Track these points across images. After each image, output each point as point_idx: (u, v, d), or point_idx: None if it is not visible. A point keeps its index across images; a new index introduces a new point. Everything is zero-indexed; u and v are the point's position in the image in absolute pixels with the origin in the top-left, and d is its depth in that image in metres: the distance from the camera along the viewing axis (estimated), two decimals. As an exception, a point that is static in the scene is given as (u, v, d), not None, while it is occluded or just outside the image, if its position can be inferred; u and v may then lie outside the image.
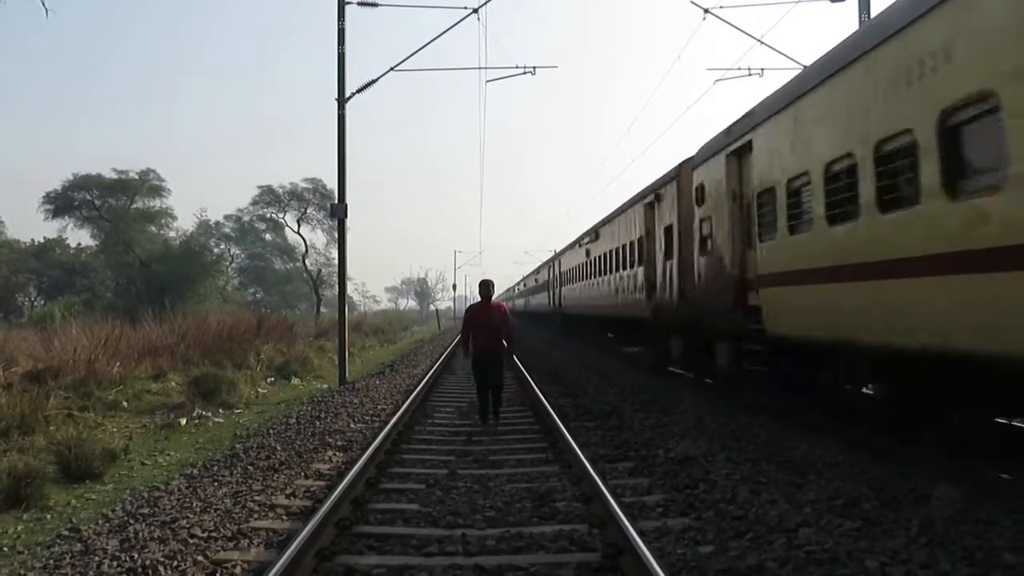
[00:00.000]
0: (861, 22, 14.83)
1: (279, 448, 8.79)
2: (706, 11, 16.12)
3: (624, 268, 19.51)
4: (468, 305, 11.13)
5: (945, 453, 6.92)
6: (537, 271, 51.59)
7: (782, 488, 6.24)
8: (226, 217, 66.35)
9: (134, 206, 51.19)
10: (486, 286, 10.68)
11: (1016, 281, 5.15)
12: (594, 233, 24.96)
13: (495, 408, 10.58)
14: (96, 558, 5.05)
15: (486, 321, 10.37)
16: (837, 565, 4.49)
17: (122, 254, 48.58)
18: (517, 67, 18.75)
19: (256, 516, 6.03)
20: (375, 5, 17.15)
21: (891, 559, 4.52)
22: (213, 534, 5.49)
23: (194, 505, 6.33)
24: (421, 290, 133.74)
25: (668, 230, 14.84)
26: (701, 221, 12.27)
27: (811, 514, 5.48)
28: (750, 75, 17.63)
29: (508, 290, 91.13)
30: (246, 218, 63.46)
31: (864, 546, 4.75)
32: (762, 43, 16.69)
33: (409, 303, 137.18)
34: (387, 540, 5.44)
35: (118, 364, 14.11)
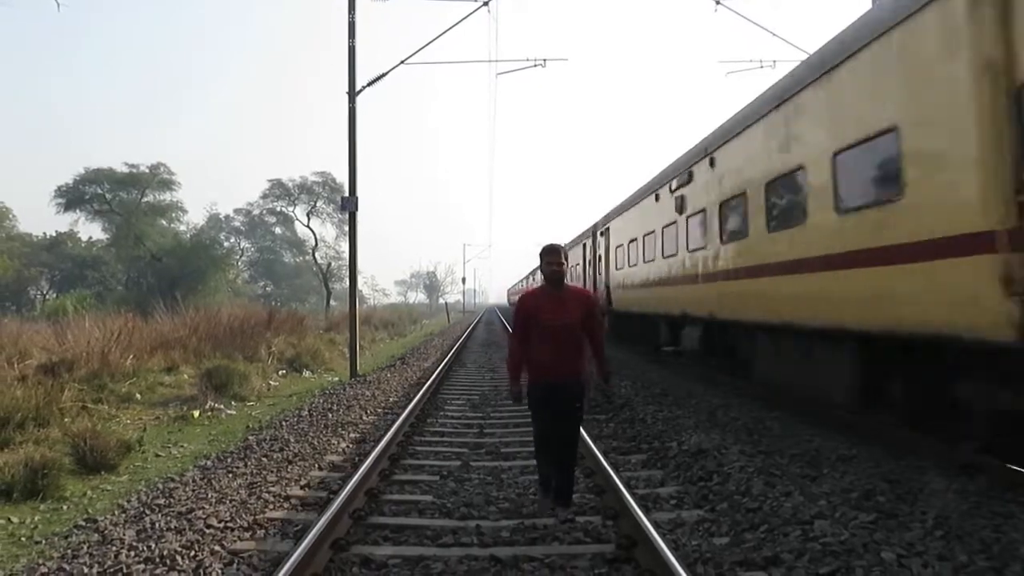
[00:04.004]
0: (874, 1, 14.63)
1: (292, 440, 8.82)
2: (717, 2, 16.03)
3: None
4: (523, 294, 6.21)
5: (961, 447, 6.90)
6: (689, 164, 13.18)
7: (796, 481, 6.23)
8: (236, 211, 66.88)
9: (145, 200, 51.56)
10: (555, 257, 5.80)
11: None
12: None
13: (563, 483, 5.94)
14: (114, 548, 5.08)
15: (557, 321, 5.71)
16: (853, 557, 4.48)
17: (133, 247, 48.92)
18: (527, 60, 18.71)
19: (271, 507, 6.07)
20: (385, -2, 17.13)
21: (908, 551, 4.51)
22: (229, 524, 5.52)
23: (209, 496, 6.36)
24: (430, 283, 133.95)
25: None
26: None
27: (826, 506, 5.46)
28: (762, 67, 17.55)
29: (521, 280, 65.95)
30: (256, 212, 63.88)
31: (880, 538, 4.74)
32: (774, 35, 16.54)
33: (418, 296, 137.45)
34: (402, 531, 5.47)
35: (131, 357, 14.18)
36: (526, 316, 5.81)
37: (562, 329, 5.73)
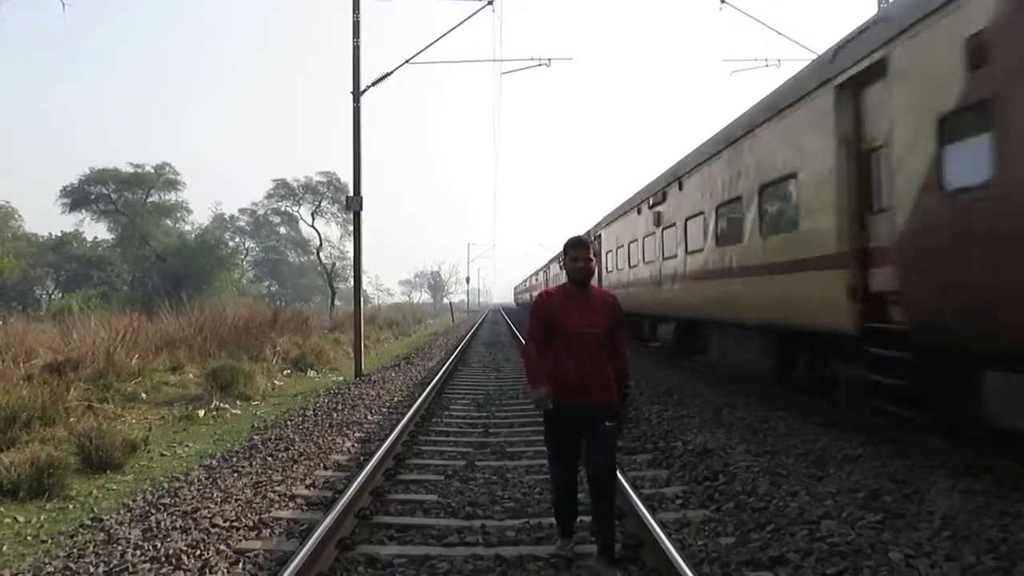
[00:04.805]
0: (880, 3, 14.59)
1: (297, 439, 8.82)
2: (723, 0, 16.00)
3: None
4: (540, 293, 5.10)
5: (968, 447, 6.88)
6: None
7: (802, 480, 6.21)
8: (241, 211, 67.00)
9: (150, 199, 51.62)
10: (582, 252, 4.79)
11: None
12: None
13: (603, 529, 4.70)
14: (119, 547, 5.08)
15: (582, 329, 4.70)
16: (861, 557, 4.46)
17: (138, 247, 48.99)
18: (532, 59, 18.66)
19: (277, 506, 6.06)
20: (390, -3, 17.13)
21: (915, 551, 4.49)
22: (235, 524, 5.51)
23: (215, 495, 6.36)
24: (435, 283, 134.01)
25: None
26: None
27: (833, 506, 5.45)
28: (767, 66, 17.52)
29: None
30: (261, 212, 63.94)
31: (888, 538, 4.72)
32: (780, 34, 16.52)
33: (423, 296, 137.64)
34: (407, 530, 5.47)
35: (136, 356, 14.21)
36: (546, 319, 4.76)
37: (588, 339, 4.67)
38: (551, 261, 43.48)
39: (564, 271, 4.92)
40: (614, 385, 4.76)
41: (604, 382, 4.71)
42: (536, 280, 57.13)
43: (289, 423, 10.13)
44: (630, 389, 4.94)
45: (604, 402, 4.69)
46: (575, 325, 4.67)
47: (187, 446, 9.05)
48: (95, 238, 55.34)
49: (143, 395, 12.44)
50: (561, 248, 5.19)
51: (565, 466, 4.89)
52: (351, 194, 17.51)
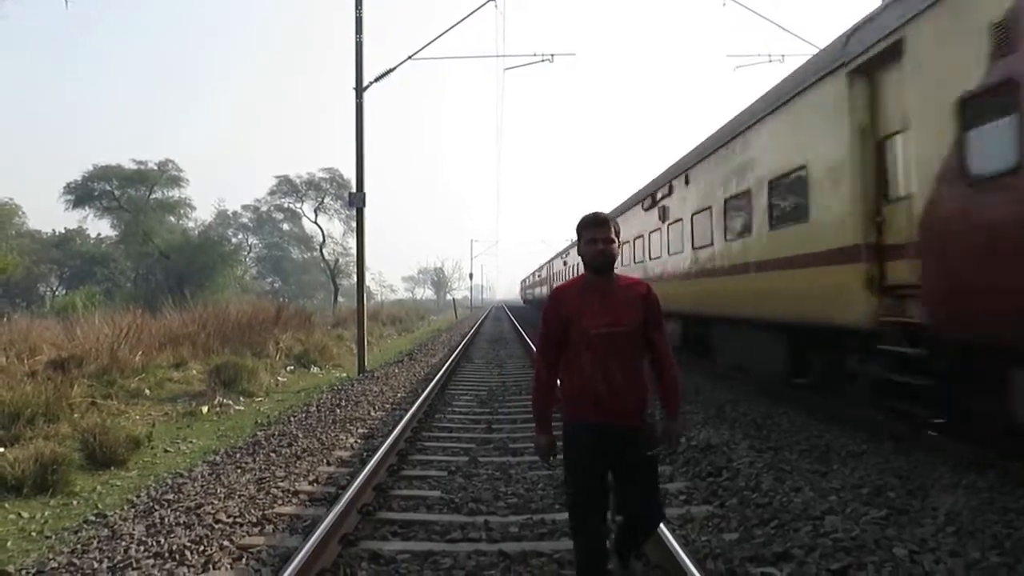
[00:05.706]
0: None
1: (301, 436, 8.83)
2: (726, -4, 15.93)
3: None
4: (555, 289, 3.86)
5: (971, 444, 6.86)
6: None
7: (806, 476, 6.20)
8: (244, 207, 67.06)
9: (153, 196, 51.70)
10: (602, 232, 3.67)
11: None
12: None
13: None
14: (123, 543, 5.09)
15: (608, 327, 3.60)
16: (865, 553, 4.45)
17: (141, 244, 49.10)
18: (535, 55, 18.62)
19: (280, 502, 6.07)
20: (392, -7, 17.12)
21: (920, 547, 4.48)
22: (238, 520, 5.52)
23: (218, 491, 6.37)
24: (438, 279, 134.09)
25: None
26: None
27: (836, 502, 5.43)
28: (770, 61, 17.45)
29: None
30: (264, 208, 63.97)
31: (892, 534, 4.71)
32: (783, 29, 16.43)
33: (426, 292, 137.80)
34: (410, 526, 5.47)
35: (140, 353, 14.21)
36: (562, 321, 3.68)
37: (613, 340, 3.60)
38: (564, 252, 36.84)
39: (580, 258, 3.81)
40: (645, 401, 3.71)
41: (640, 396, 3.68)
42: (565, 265, 41.76)
43: (292, 419, 10.13)
44: (681, 401, 3.83)
45: (641, 425, 3.69)
46: (596, 324, 3.61)
47: (191, 442, 9.06)
48: (98, 235, 55.57)
49: (147, 392, 12.45)
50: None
51: (594, 524, 3.66)
52: (354, 190, 17.49)
